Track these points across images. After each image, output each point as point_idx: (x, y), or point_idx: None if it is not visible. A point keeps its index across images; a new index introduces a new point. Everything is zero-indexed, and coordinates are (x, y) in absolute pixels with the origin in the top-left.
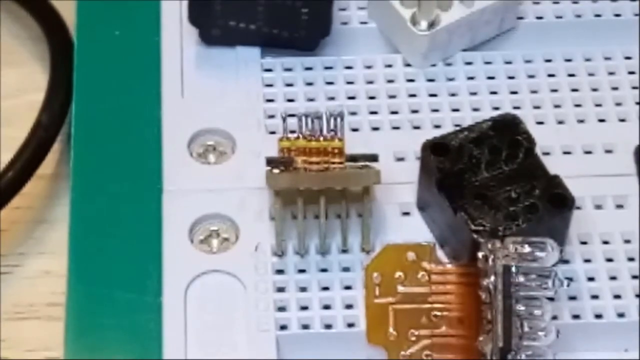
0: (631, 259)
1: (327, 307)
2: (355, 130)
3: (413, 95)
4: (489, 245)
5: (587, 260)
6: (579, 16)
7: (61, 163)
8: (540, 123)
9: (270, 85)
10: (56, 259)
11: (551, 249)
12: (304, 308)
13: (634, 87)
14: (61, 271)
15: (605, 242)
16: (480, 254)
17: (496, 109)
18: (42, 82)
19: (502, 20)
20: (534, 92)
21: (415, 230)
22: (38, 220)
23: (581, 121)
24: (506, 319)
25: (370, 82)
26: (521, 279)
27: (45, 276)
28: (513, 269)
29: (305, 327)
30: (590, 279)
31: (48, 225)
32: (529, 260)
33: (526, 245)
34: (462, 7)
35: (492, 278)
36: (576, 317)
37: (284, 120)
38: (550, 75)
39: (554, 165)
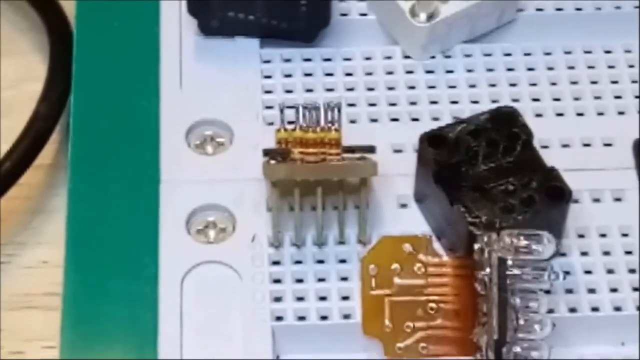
0: (628, 253)
1: (323, 298)
2: (353, 121)
3: (412, 87)
4: (485, 238)
5: (585, 254)
6: (579, 9)
7: (60, 153)
8: (539, 116)
9: (269, 77)
10: (54, 249)
11: (547, 242)
12: (300, 299)
13: (634, 81)
14: (59, 261)
15: (603, 236)
16: (476, 246)
17: (495, 101)
18: (42, 72)
19: (502, 13)
20: (533, 84)
21: (412, 222)
22: (36, 210)
23: (580, 114)
24: (501, 312)
25: (369, 74)
26: (517, 271)
27: (43, 266)
28: (509, 262)
29: (301, 318)
30: (588, 272)
31: (46, 215)
32: (525, 253)
33: (522, 238)
34: None
35: (488, 270)
36: (573, 310)
37: (282, 111)
38: (550, 69)
39: (552, 158)
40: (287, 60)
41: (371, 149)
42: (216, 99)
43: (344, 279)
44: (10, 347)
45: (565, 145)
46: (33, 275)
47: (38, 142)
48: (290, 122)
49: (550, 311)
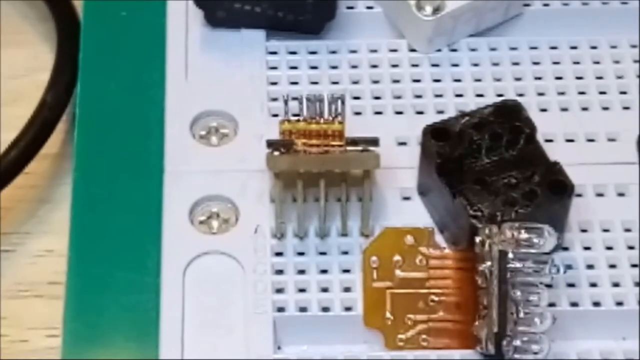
0: (631, 248)
1: (325, 290)
2: (358, 114)
3: (417, 81)
4: (486, 231)
5: (587, 248)
6: (585, 4)
7: (66, 143)
8: (544, 110)
9: (275, 68)
10: (59, 238)
11: (548, 235)
12: (302, 291)
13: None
14: (64, 250)
15: (606, 230)
16: (477, 239)
17: (500, 95)
18: (50, 62)
19: (508, 7)
20: (538, 79)
21: (415, 215)
22: (42, 199)
23: (585, 109)
24: (501, 304)
25: (375, 67)
26: (518, 264)
27: (48, 255)
28: (509, 255)
29: (303, 309)
30: (590, 267)
31: (52, 204)
32: (526, 246)
33: (523, 231)
34: None
35: (489, 263)
36: (574, 304)
37: (286, 102)
38: (555, 63)
39: (556, 152)
40: (293, 53)
41: (375, 142)
42: (221, 90)
43: (346, 270)
44: (15, 335)
45: (569, 140)
46: (38, 264)
47: (45, 131)
48: (295, 115)
49: (552, 305)
